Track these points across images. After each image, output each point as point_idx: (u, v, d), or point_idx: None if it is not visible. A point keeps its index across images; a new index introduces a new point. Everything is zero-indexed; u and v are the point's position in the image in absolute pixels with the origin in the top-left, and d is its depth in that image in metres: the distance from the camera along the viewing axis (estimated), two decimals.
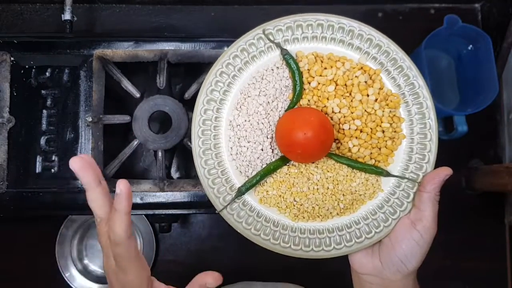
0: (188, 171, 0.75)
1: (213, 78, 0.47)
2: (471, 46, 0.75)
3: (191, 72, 0.70)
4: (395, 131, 0.47)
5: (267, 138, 0.47)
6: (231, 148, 0.47)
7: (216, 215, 0.76)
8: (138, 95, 0.64)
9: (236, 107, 0.48)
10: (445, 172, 0.44)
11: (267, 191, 0.47)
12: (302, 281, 0.69)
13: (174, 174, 0.75)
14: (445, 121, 0.77)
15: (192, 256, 0.77)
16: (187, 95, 0.65)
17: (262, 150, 0.47)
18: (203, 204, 0.62)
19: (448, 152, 0.73)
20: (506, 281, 0.77)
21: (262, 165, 0.47)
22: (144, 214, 0.70)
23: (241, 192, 0.46)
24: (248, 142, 0.47)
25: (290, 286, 0.68)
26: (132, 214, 0.72)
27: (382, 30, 0.48)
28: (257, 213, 0.47)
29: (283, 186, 0.47)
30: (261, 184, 0.47)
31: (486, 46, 0.71)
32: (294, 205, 0.47)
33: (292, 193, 0.47)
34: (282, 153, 0.47)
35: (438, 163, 0.47)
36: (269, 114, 0.48)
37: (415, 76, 0.47)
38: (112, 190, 0.60)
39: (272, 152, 0.48)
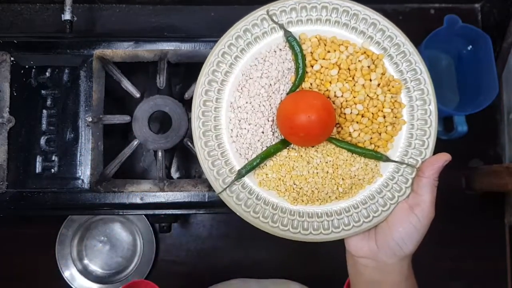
0: (188, 171, 0.75)
1: (214, 58, 0.47)
2: (471, 46, 0.75)
3: (191, 72, 0.70)
4: (395, 117, 0.47)
5: (268, 120, 0.47)
6: (232, 130, 0.47)
7: (215, 215, 0.77)
8: (138, 95, 0.64)
9: (238, 88, 0.47)
10: (444, 157, 0.44)
11: (267, 174, 0.47)
12: (301, 280, 0.69)
13: (174, 174, 0.75)
14: (445, 121, 0.77)
15: (192, 256, 0.77)
16: (187, 95, 0.65)
17: (263, 132, 0.47)
18: (203, 204, 0.62)
19: (448, 152, 0.73)
20: (506, 281, 0.77)
21: (263, 148, 0.47)
22: (144, 214, 0.70)
23: (241, 174, 0.46)
24: (249, 125, 0.47)
25: (284, 281, 0.68)
26: (132, 214, 0.73)
27: None
28: (256, 196, 0.47)
29: (283, 169, 0.47)
30: (261, 167, 0.47)
31: (486, 46, 0.71)
32: (293, 189, 0.47)
33: (291, 176, 0.47)
34: (284, 136, 0.47)
35: None
36: (270, 96, 0.47)
37: (417, 62, 0.47)
38: (111, 190, 0.61)
39: (273, 135, 0.47)
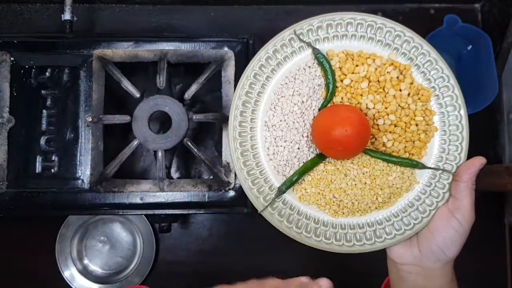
0: (188, 171, 0.75)
1: (247, 80, 0.48)
2: (471, 46, 0.75)
3: (191, 72, 0.70)
4: (427, 124, 0.48)
5: (303, 136, 0.48)
6: (268, 148, 0.48)
7: (215, 215, 0.77)
8: (138, 95, 0.64)
9: (271, 107, 0.49)
10: (480, 161, 0.46)
11: (306, 189, 0.48)
12: None
13: (174, 174, 0.75)
14: None
15: (192, 256, 0.77)
16: (187, 95, 0.65)
17: (299, 148, 0.48)
18: (203, 204, 0.62)
19: None
20: (506, 281, 0.77)
21: (299, 163, 0.48)
22: (144, 214, 0.70)
23: (281, 191, 0.47)
24: (285, 142, 0.48)
25: None
26: (132, 214, 0.72)
27: None
28: (297, 211, 0.48)
29: (321, 183, 0.48)
30: (300, 182, 0.48)
31: (486, 46, 0.71)
32: (333, 202, 0.48)
33: (330, 189, 0.48)
34: (320, 151, 0.47)
35: None
36: (303, 113, 0.48)
37: (444, 69, 0.49)
38: (111, 190, 0.61)
39: (308, 150, 0.49)
